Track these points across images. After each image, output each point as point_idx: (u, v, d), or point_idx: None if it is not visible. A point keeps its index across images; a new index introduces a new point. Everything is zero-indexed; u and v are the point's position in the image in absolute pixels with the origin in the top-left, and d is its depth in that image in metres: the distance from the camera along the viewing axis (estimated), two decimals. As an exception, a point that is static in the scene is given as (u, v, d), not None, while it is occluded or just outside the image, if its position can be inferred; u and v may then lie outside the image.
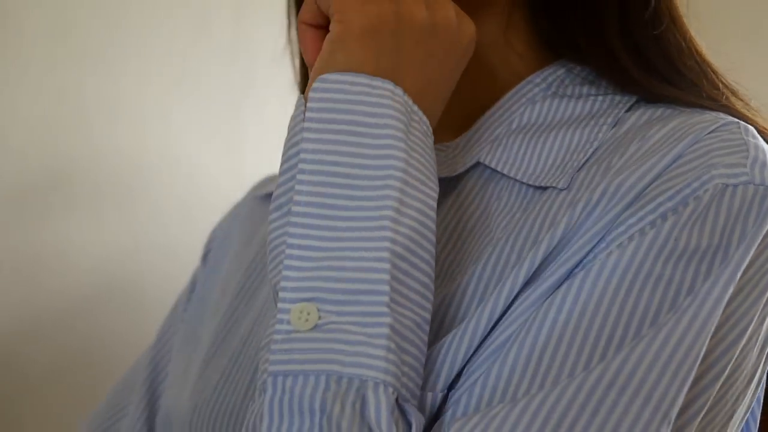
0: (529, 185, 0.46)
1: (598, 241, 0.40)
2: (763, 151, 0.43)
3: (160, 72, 1.34)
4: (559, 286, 0.40)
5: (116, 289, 1.28)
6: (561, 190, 0.44)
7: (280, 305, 0.39)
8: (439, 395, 0.40)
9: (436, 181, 0.42)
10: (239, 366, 0.52)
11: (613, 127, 0.47)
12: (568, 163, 0.45)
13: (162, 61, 1.34)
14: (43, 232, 1.20)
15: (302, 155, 0.40)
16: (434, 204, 0.41)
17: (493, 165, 0.47)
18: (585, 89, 0.49)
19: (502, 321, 0.41)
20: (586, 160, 0.45)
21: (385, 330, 0.37)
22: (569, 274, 0.40)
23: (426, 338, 0.40)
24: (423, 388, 0.40)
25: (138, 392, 0.62)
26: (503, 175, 0.47)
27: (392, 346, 0.37)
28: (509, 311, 0.41)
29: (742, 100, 0.49)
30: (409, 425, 0.37)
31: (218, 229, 0.67)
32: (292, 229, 0.39)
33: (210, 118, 1.41)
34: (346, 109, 0.40)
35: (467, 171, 0.49)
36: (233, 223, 0.65)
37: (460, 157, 0.49)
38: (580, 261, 0.40)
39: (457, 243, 0.46)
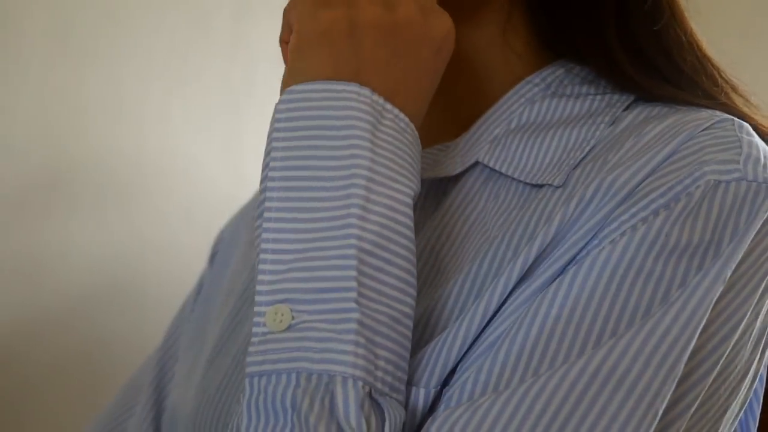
0: (526, 183, 0.46)
1: (592, 238, 0.41)
2: (757, 147, 0.43)
3: (161, 72, 1.34)
4: (551, 283, 0.40)
5: (117, 289, 1.28)
6: (557, 187, 0.45)
7: (256, 308, 0.40)
8: (432, 391, 0.40)
9: (414, 176, 0.42)
10: (241, 366, 0.52)
11: (610, 126, 0.47)
12: (564, 161, 0.46)
13: (162, 61, 1.34)
14: (43, 233, 1.20)
15: (271, 164, 0.41)
16: (408, 199, 0.41)
17: (491, 164, 0.48)
18: (584, 89, 0.50)
19: (495, 318, 0.41)
20: (583, 158, 0.45)
21: (353, 325, 0.38)
22: (562, 271, 0.41)
23: (408, 332, 0.40)
24: (416, 384, 0.40)
25: (145, 392, 0.63)
26: (501, 174, 0.48)
27: (361, 340, 0.38)
28: (503, 308, 0.41)
29: (742, 96, 0.49)
30: (382, 419, 0.38)
31: (225, 231, 0.68)
32: (264, 234, 0.40)
33: (210, 118, 1.41)
34: (312, 115, 0.41)
35: (466, 170, 0.49)
36: (240, 224, 0.65)
37: (459, 157, 0.49)
38: (573, 257, 0.41)
39: (455, 242, 0.46)
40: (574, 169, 0.45)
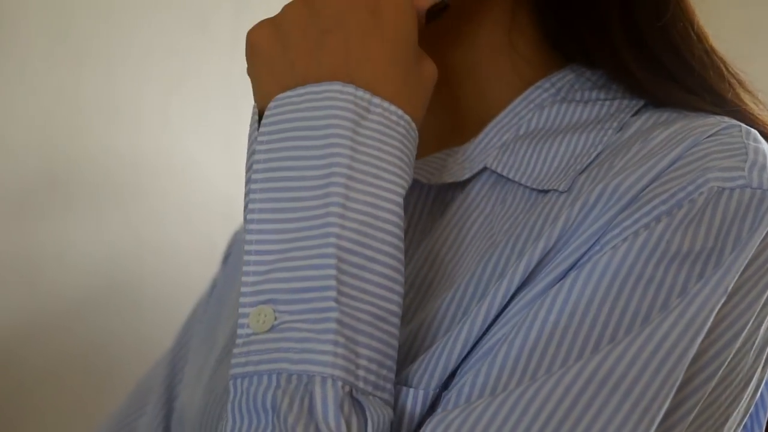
0: (532, 189, 0.46)
1: (594, 243, 0.40)
2: (764, 154, 0.42)
3: (159, 72, 1.34)
4: (552, 287, 0.40)
5: (114, 289, 1.28)
6: (562, 192, 0.44)
7: (240, 309, 0.40)
8: (431, 393, 0.40)
9: (404, 171, 0.42)
10: None
11: (618, 131, 0.46)
12: (571, 167, 0.45)
13: (161, 61, 1.34)
14: (40, 233, 1.20)
15: (254, 166, 0.41)
16: (394, 196, 0.41)
17: (499, 170, 0.48)
18: (594, 94, 0.49)
19: (497, 321, 0.41)
20: (589, 164, 0.45)
21: (332, 325, 0.38)
22: (564, 275, 0.40)
23: (395, 330, 0.40)
24: (416, 386, 0.40)
25: (156, 392, 0.63)
26: (509, 179, 0.47)
27: (341, 340, 0.38)
28: (504, 312, 0.41)
29: (749, 91, 0.49)
30: (365, 419, 0.37)
31: (240, 232, 0.68)
32: (248, 236, 0.40)
33: (209, 118, 1.40)
34: (295, 117, 0.41)
35: (474, 176, 0.49)
36: None
37: (467, 162, 0.49)
38: (576, 262, 0.40)
39: (461, 247, 0.46)
40: (580, 174, 0.45)
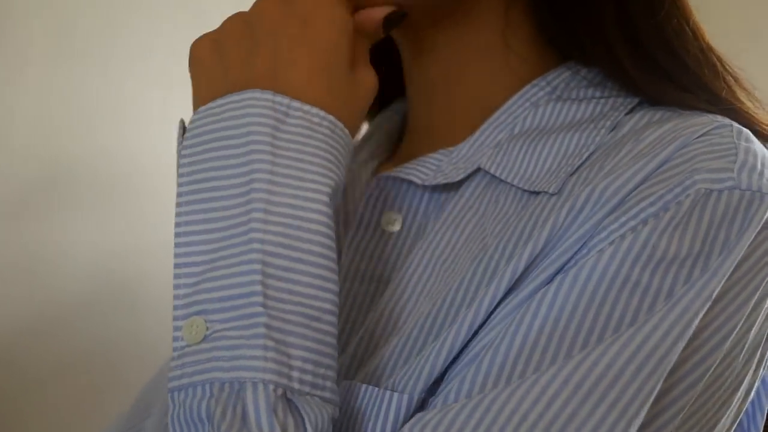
0: (524, 190, 0.46)
1: (581, 247, 0.40)
2: (755, 155, 0.41)
3: (161, 72, 1.34)
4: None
5: (115, 289, 1.28)
6: (552, 194, 0.44)
7: (174, 323, 0.40)
8: (416, 398, 0.40)
9: (331, 170, 0.42)
10: None
11: (611, 131, 0.46)
12: (562, 168, 0.45)
13: (162, 61, 1.34)
14: (41, 233, 1.20)
15: (180, 179, 0.42)
16: (320, 196, 0.41)
17: (492, 171, 0.47)
18: (590, 92, 0.49)
19: (483, 327, 0.41)
20: (581, 165, 0.45)
21: (261, 330, 0.38)
22: (551, 280, 0.40)
23: (332, 328, 0.40)
24: (402, 390, 0.40)
25: (163, 393, 0.63)
26: (501, 180, 0.47)
27: (270, 343, 0.38)
28: (491, 317, 0.41)
29: (745, 89, 0.48)
30: (302, 419, 0.37)
31: None
32: (176, 249, 0.41)
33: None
34: (215, 128, 0.42)
35: (468, 177, 0.48)
36: None
37: (461, 163, 0.49)
38: (562, 266, 0.40)
39: (454, 250, 0.46)
40: (571, 175, 0.44)
